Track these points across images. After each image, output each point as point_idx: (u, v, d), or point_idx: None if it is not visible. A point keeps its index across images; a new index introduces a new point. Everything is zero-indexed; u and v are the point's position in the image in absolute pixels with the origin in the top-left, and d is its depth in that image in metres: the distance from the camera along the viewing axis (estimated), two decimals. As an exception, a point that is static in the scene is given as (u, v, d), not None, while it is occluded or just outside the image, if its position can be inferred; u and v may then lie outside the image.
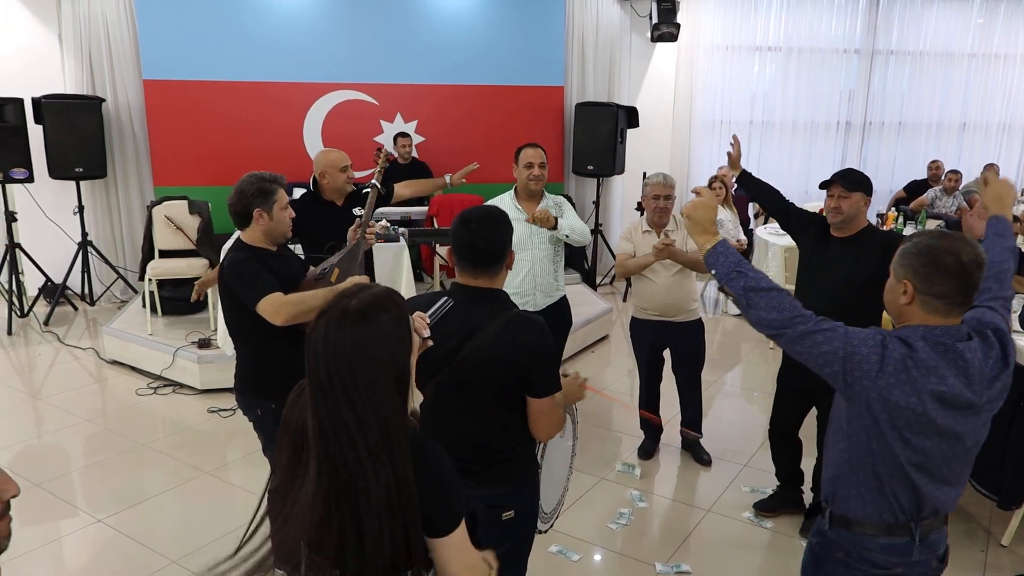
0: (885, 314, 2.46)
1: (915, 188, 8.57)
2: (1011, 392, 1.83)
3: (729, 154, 3.62)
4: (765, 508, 3.59)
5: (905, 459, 1.70)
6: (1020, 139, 9.46)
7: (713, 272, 1.92)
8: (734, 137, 3.67)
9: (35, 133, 6.06)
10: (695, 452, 4.17)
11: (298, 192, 6.10)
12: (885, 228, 6.21)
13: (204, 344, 5.05)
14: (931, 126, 9.14)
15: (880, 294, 3.10)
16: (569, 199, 7.53)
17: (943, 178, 7.98)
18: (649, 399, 4.19)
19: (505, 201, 3.80)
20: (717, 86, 8.38)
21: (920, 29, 8.82)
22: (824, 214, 3.15)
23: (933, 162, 8.48)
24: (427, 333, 1.54)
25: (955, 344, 1.68)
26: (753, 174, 3.57)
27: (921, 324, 1.71)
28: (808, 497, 3.55)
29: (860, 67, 8.81)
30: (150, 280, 5.60)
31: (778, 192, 3.51)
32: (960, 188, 8.23)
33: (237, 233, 2.83)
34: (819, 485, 3.32)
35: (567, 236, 3.67)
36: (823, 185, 3.12)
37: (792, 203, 3.46)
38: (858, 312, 2.72)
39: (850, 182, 3.02)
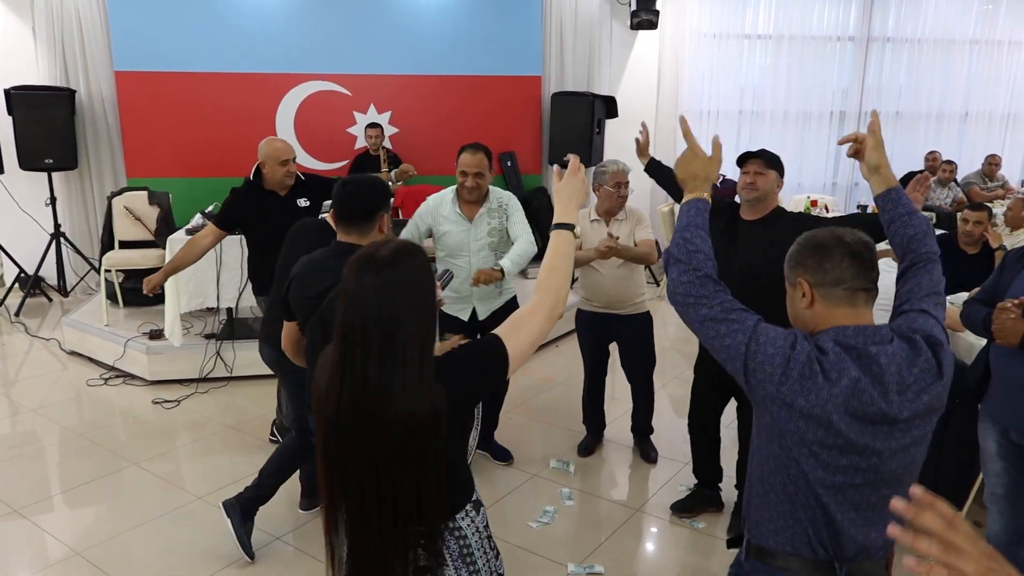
0: None
1: (905, 179, 8.31)
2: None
3: (637, 140, 3.51)
4: (681, 508, 3.44)
5: (816, 480, 1.50)
6: (1025, 129, 9.13)
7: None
8: (643, 124, 3.58)
9: (6, 124, 6.08)
10: (643, 448, 4.03)
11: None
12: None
13: (155, 335, 5.02)
14: (930, 116, 8.83)
15: None
16: (546, 192, 7.42)
17: (939, 169, 7.72)
18: (592, 392, 4.07)
19: (446, 202, 3.63)
20: (704, 75, 8.17)
21: (918, 15, 8.51)
22: (738, 192, 3.04)
23: (931, 153, 8.19)
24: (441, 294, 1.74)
25: (867, 347, 1.49)
26: (663, 163, 3.47)
27: (832, 327, 1.54)
28: (731, 495, 3.40)
29: (855, 55, 8.54)
30: (108, 270, 5.58)
31: None
32: (959, 179, 7.96)
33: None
34: (743, 483, 3.23)
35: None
36: (739, 161, 3.03)
37: None
38: (771, 293, 2.61)
39: (768, 159, 2.96)
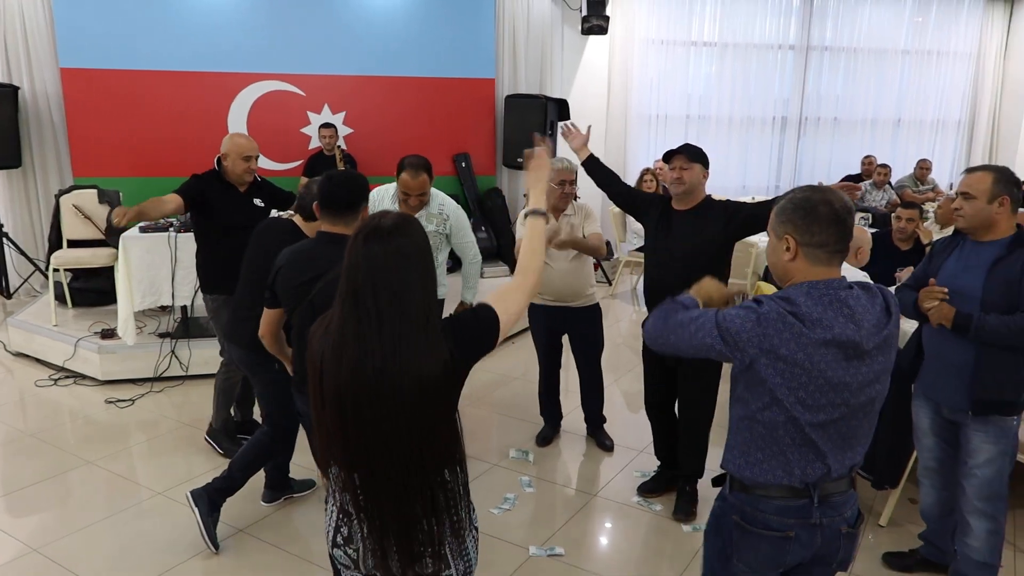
0: (761, 283, 2.46)
1: (848, 181, 8.66)
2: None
3: (569, 130, 3.65)
4: (648, 490, 3.59)
5: (805, 422, 1.72)
6: (953, 135, 9.61)
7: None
8: (572, 125, 3.70)
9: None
10: (598, 438, 4.15)
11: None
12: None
13: (107, 335, 4.94)
14: (866, 122, 9.25)
15: (724, 260, 3.21)
16: (500, 192, 7.52)
17: (874, 173, 8.08)
18: (548, 384, 4.17)
19: (386, 199, 3.69)
20: (653, 81, 8.40)
21: (854, 25, 8.92)
22: (667, 185, 3.25)
23: (867, 157, 8.57)
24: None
25: (838, 292, 1.73)
26: (600, 160, 3.61)
27: (804, 281, 1.75)
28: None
29: (795, 63, 8.89)
30: (56, 270, 5.47)
31: (618, 177, 3.66)
32: (893, 182, 8.34)
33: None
34: (688, 460, 3.40)
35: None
36: (665, 157, 3.24)
37: (631, 186, 3.60)
38: (704, 273, 2.88)
39: (692, 154, 3.16)
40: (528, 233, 1.85)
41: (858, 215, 7.36)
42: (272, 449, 3.23)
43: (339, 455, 1.62)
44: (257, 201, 3.82)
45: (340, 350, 1.56)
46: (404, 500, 1.59)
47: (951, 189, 9.04)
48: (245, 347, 3.17)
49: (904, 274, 3.92)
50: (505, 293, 1.76)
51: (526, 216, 1.89)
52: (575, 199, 3.88)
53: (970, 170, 2.67)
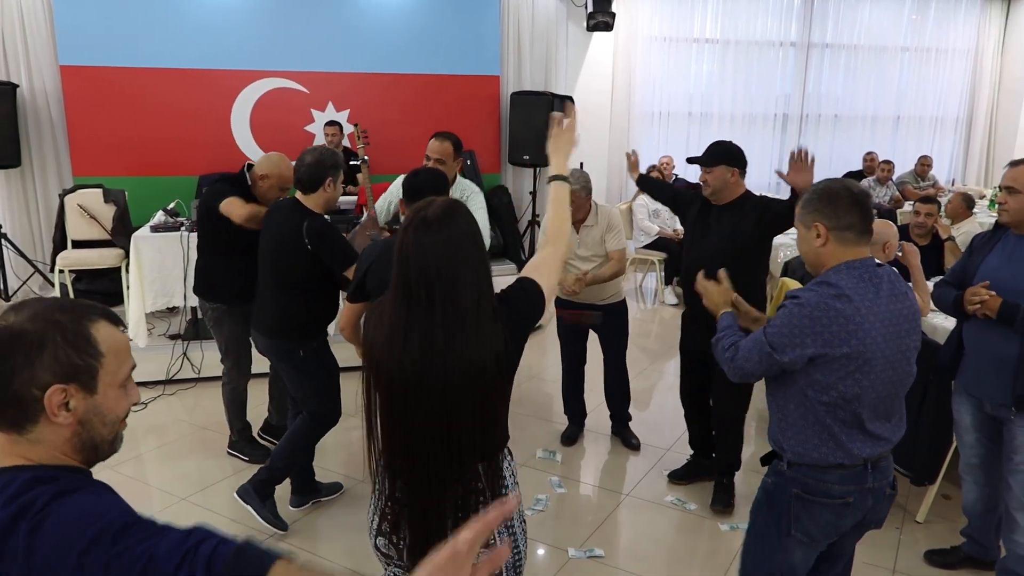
0: (785, 279, 2.46)
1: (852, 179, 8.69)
2: (920, 370, 2.03)
3: (628, 156, 3.90)
4: (678, 477, 3.64)
5: (862, 403, 1.87)
6: (952, 132, 9.67)
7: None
8: (633, 152, 3.97)
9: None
10: (624, 436, 4.11)
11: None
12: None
13: (117, 337, 4.83)
14: (866, 119, 9.29)
15: (761, 255, 3.26)
16: (505, 190, 7.46)
17: (877, 169, 8.11)
18: (572, 382, 4.13)
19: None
20: (656, 78, 8.39)
21: (854, 23, 8.95)
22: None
23: (868, 154, 8.59)
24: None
25: (875, 269, 1.89)
26: (649, 176, 3.95)
27: (842, 262, 1.88)
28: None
29: (796, 60, 8.91)
30: (61, 271, 5.36)
31: (667, 184, 4.03)
32: (894, 179, 8.37)
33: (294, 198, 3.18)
34: (724, 453, 3.41)
35: None
36: (692, 161, 3.33)
37: (678, 188, 3.90)
38: (739, 269, 3.03)
39: (711, 158, 3.19)
40: (553, 198, 1.88)
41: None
42: (311, 436, 3.22)
43: (386, 443, 1.63)
44: None
45: (392, 339, 1.57)
46: (441, 490, 1.60)
47: (952, 185, 9.10)
48: (269, 334, 3.14)
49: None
50: (540, 265, 1.78)
51: (549, 181, 1.90)
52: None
53: (1014, 163, 2.65)
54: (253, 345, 3.51)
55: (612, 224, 3.78)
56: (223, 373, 3.79)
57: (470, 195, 3.69)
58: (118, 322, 1.16)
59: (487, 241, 3.67)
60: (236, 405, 3.83)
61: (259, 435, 4.02)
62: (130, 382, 1.17)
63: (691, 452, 3.72)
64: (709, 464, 3.59)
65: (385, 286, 2.46)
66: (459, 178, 3.66)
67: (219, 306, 3.64)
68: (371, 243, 2.67)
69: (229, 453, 3.92)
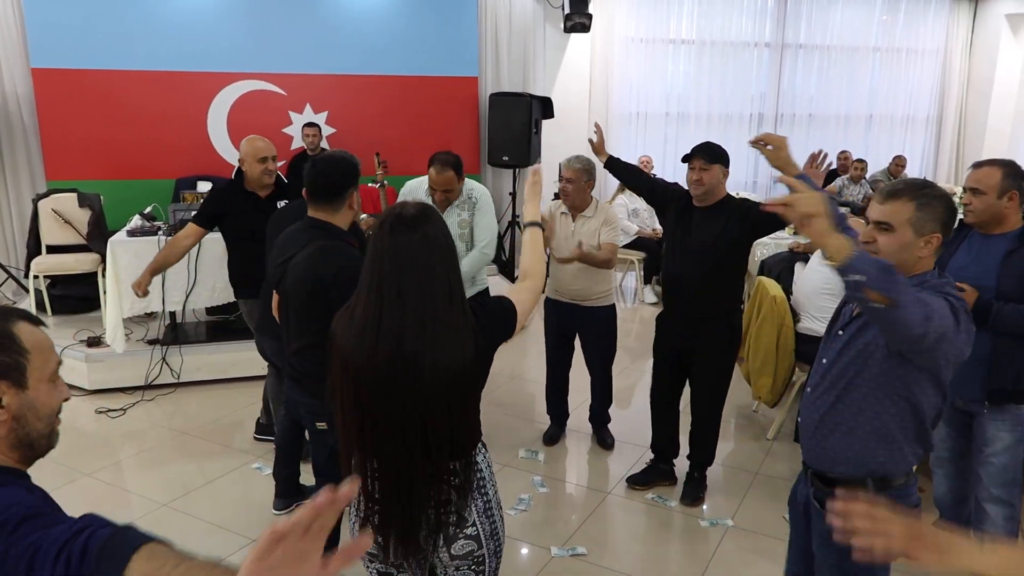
0: (762, 278, 2.49)
1: (826, 178, 8.80)
2: None
3: (591, 141, 3.68)
4: (637, 482, 3.64)
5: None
6: (923, 131, 9.83)
7: (857, 278, 1.55)
8: (596, 124, 3.81)
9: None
10: (600, 435, 4.15)
11: (203, 186, 5.95)
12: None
13: (94, 343, 4.80)
14: (839, 118, 9.42)
15: (741, 258, 3.26)
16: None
17: (851, 167, 8.23)
18: (556, 383, 4.15)
19: (421, 190, 3.70)
20: (633, 78, 8.45)
21: (827, 24, 9.08)
22: (688, 187, 3.27)
23: (842, 152, 8.72)
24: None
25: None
26: (621, 159, 3.66)
27: (927, 271, 1.88)
28: (683, 467, 3.62)
29: (771, 60, 9.01)
30: (36, 277, 5.30)
31: (641, 171, 3.77)
32: (867, 177, 8.50)
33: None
34: (698, 450, 3.46)
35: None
36: (685, 158, 3.23)
37: (656, 178, 3.68)
38: (720, 274, 3.15)
39: (710, 155, 3.16)
40: (529, 243, 2.02)
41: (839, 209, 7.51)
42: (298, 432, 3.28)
43: (357, 442, 1.66)
44: (281, 203, 3.72)
45: (363, 338, 1.59)
46: (412, 489, 1.63)
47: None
48: (277, 337, 3.12)
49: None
50: (516, 291, 1.89)
51: (524, 228, 2.05)
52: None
53: (977, 165, 2.71)
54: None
55: (609, 219, 3.82)
56: (268, 366, 3.74)
57: (480, 195, 3.76)
58: (37, 322, 1.25)
59: (483, 258, 3.74)
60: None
61: (254, 437, 4.10)
62: (59, 378, 1.26)
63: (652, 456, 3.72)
64: (668, 469, 3.63)
65: (273, 272, 2.53)
66: (467, 179, 3.73)
67: (250, 300, 3.67)
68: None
69: (256, 438, 4.07)
